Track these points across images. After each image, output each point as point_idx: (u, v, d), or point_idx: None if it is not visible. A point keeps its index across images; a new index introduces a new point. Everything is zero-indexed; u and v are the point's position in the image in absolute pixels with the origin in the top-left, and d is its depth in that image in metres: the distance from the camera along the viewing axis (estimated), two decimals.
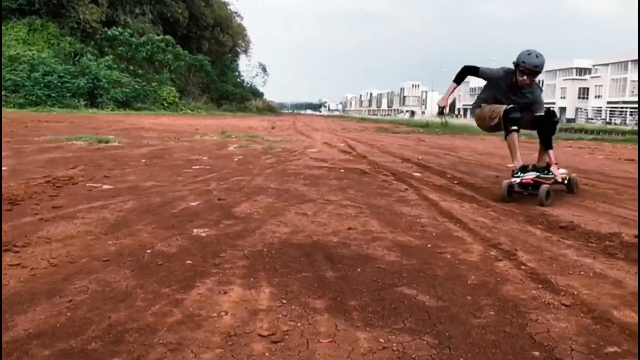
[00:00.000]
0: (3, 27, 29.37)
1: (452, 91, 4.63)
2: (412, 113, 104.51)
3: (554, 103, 74.33)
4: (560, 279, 2.19)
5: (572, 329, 1.67)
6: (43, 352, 1.42)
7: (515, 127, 4.24)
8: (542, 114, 4.32)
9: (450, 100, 4.71)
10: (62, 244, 2.45)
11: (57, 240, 2.51)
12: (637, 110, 44.41)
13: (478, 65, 4.51)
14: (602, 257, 2.55)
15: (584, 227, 3.17)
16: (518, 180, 4.09)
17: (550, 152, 4.35)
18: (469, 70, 4.50)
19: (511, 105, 4.25)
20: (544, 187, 3.94)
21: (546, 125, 4.36)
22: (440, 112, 4.56)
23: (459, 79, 4.50)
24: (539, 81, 4.53)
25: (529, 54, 4.12)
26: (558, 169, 4.32)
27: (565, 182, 4.38)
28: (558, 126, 4.52)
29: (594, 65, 70.72)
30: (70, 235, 2.62)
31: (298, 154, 7.91)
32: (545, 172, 4.28)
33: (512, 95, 4.29)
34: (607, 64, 66.53)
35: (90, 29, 33.81)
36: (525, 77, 4.14)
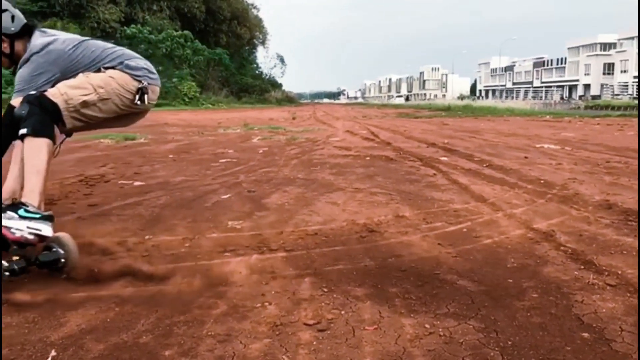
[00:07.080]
0: None
1: None
2: (407, 98, 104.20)
3: (577, 80, 72.69)
4: (602, 258, 2.15)
5: (620, 309, 1.65)
6: (97, 346, 1.45)
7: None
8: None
9: None
10: (102, 242, 2.49)
11: (96, 238, 2.55)
12: None
13: None
14: None
15: (621, 206, 3.12)
16: None
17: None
18: None
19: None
20: None
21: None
22: None
23: None
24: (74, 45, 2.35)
25: None
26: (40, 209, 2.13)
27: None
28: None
29: (619, 40, 68.74)
30: (108, 232, 2.67)
31: (321, 143, 7.90)
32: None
33: None
34: (632, 37, 64.60)
35: (110, 29, 34.26)
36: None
